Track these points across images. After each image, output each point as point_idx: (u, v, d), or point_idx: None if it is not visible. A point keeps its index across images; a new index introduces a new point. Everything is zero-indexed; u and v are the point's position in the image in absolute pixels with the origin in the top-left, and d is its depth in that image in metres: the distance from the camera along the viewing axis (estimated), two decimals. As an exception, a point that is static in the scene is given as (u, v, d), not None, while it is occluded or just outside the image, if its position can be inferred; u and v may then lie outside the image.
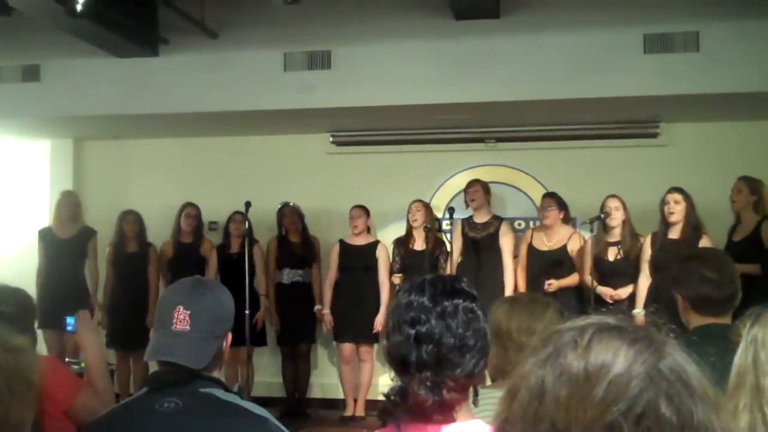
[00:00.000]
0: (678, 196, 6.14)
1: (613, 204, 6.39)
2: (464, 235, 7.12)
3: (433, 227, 7.18)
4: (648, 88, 6.43)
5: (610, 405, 0.94)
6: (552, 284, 6.47)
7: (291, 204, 7.73)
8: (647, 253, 6.24)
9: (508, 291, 6.75)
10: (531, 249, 6.88)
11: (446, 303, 1.73)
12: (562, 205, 6.86)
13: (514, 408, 1.01)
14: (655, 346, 1.00)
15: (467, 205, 7.24)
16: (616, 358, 0.98)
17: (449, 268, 6.93)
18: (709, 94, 6.38)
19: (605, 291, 6.26)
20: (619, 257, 6.37)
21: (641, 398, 0.95)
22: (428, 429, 1.69)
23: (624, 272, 6.34)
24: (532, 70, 6.54)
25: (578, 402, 0.96)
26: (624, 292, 6.32)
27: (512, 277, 6.91)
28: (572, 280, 6.61)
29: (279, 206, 7.73)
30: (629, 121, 7.55)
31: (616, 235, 6.40)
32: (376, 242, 7.51)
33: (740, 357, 1.65)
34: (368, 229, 7.58)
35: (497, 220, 7.16)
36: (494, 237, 7.03)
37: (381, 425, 1.74)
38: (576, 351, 1.00)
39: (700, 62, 6.31)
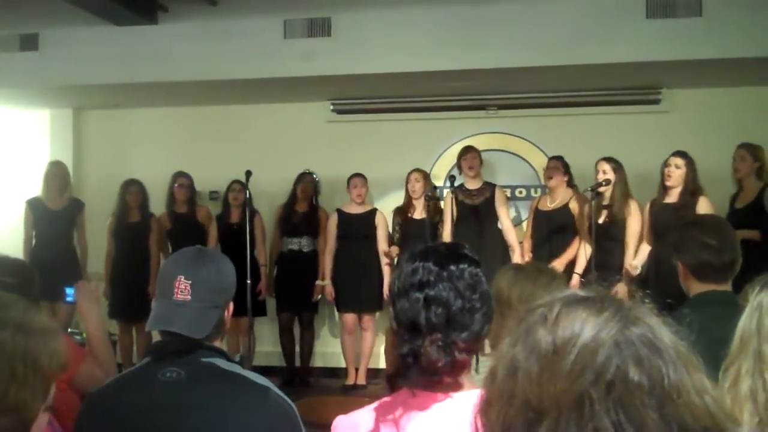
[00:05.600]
0: (679, 161, 6.09)
1: (604, 167, 6.34)
2: (460, 202, 7.09)
3: (434, 195, 7.17)
4: (650, 53, 6.38)
5: (578, 376, 0.95)
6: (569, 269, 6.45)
7: (310, 173, 7.67)
8: (647, 219, 6.24)
9: (516, 252, 6.78)
10: (537, 212, 6.92)
11: (452, 267, 1.75)
12: (566, 169, 6.87)
13: (493, 388, 1.02)
14: (622, 313, 1.00)
15: (460, 172, 7.20)
16: (583, 329, 0.98)
17: (445, 237, 6.91)
18: (712, 59, 6.33)
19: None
20: (606, 220, 6.35)
21: (609, 366, 0.95)
22: (437, 396, 1.71)
23: (612, 235, 6.31)
24: (533, 36, 6.49)
25: (549, 376, 0.97)
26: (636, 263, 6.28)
27: (515, 238, 6.92)
28: (572, 251, 6.61)
29: (299, 173, 7.68)
30: (631, 87, 7.51)
31: (606, 198, 6.38)
32: (374, 210, 7.51)
33: (744, 322, 1.65)
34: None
35: (490, 185, 7.15)
36: (490, 201, 7.02)
37: (390, 389, 1.74)
38: (545, 326, 1.01)
39: (703, 27, 6.25)
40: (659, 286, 5.59)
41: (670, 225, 5.49)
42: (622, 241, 6.32)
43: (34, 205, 7.56)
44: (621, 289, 6.05)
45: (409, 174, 7.26)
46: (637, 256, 6.21)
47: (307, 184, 7.62)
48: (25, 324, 1.64)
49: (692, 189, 6.02)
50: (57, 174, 7.56)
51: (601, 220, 6.27)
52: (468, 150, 7.22)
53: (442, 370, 1.68)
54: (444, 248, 1.82)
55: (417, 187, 7.17)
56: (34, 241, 7.50)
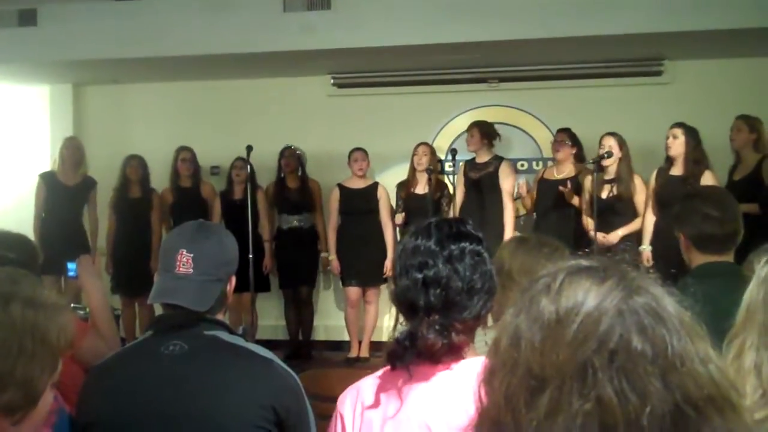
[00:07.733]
0: (676, 131, 6.09)
1: (609, 142, 6.32)
2: (465, 175, 7.11)
3: (435, 169, 7.16)
4: (652, 24, 6.33)
5: (581, 344, 0.95)
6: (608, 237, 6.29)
7: (291, 147, 7.69)
8: (652, 188, 6.21)
9: (508, 231, 6.75)
10: (542, 181, 6.89)
11: (453, 247, 1.74)
12: (575, 142, 6.83)
13: (497, 358, 1.02)
14: (626, 282, 1.00)
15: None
16: (586, 298, 0.99)
17: (452, 211, 6.92)
18: (715, 30, 6.28)
19: (599, 238, 6.19)
20: (611, 195, 6.32)
21: (612, 334, 0.95)
22: (437, 369, 1.71)
23: (617, 211, 6.29)
24: (535, 8, 6.44)
25: (551, 345, 0.97)
26: (614, 237, 6.24)
27: (512, 218, 6.91)
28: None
29: (281, 148, 7.68)
30: (633, 59, 7.47)
31: (610, 173, 6.34)
32: (376, 184, 7.50)
33: (751, 293, 1.62)
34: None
35: (497, 159, 7.12)
36: (493, 176, 7.01)
37: (392, 368, 1.75)
38: (548, 296, 1.01)
39: (706, -3, 6.21)
40: (664, 257, 5.59)
41: (676, 196, 5.47)
42: (626, 217, 6.30)
43: (47, 179, 7.54)
44: (646, 254, 6.06)
45: (417, 147, 7.23)
46: (644, 235, 6.20)
47: (288, 158, 7.61)
48: (35, 299, 1.64)
49: (694, 158, 6.00)
50: (73, 148, 7.54)
51: (604, 195, 6.25)
52: (469, 127, 7.22)
53: (440, 353, 1.68)
54: (446, 226, 1.80)
55: (424, 160, 7.15)
56: (44, 215, 7.49)
